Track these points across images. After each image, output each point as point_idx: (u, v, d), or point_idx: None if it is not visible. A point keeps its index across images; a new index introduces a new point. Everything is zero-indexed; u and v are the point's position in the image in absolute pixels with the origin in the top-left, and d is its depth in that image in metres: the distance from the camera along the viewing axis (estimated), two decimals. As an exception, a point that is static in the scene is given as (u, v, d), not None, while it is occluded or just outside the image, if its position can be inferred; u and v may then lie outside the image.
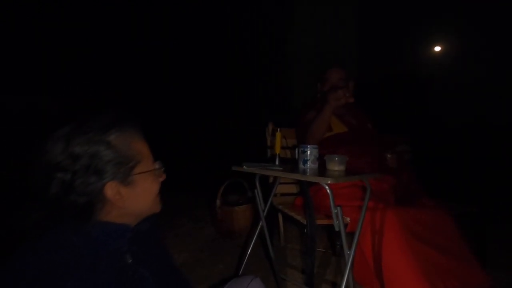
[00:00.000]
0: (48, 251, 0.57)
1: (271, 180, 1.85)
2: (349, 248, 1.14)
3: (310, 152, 1.34)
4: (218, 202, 2.29)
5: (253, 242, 1.45)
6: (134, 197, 0.65)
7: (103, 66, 5.49)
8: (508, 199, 3.48)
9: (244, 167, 1.29)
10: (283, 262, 1.95)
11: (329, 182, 1.06)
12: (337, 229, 1.15)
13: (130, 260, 0.68)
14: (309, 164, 1.34)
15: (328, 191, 1.11)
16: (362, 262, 1.47)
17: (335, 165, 1.29)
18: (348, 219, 1.49)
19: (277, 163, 1.45)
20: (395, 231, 1.31)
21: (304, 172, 1.29)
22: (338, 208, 1.14)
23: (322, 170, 1.31)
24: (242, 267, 1.45)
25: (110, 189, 0.62)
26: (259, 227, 1.49)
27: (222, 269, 1.84)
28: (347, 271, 1.11)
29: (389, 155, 1.69)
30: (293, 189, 1.98)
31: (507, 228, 2.73)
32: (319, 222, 1.47)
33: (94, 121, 0.63)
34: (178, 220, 2.77)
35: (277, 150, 1.46)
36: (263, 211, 1.49)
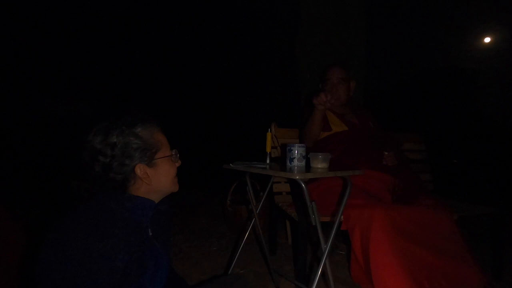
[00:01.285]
0: (93, 213, 0.75)
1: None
2: (325, 242, 1.17)
3: (296, 150, 1.38)
4: (228, 201, 2.40)
5: (244, 239, 1.53)
6: (157, 176, 0.83)
7: (102, 68, 5.90)
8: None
9: (231, 165, 1.38)
10: (287, 259, 2.00)
11: (297, 177, 1.11)
12: (313, 223, 1.19)
13: (151, 234, 0.84)
14: (295, 162, 1.39)
15: (303, 187, 1.16)
16: (356, 261, 1.47)
17: (318, 163, 1.32)
18: (341, 217, 1.50)
19: (267, 161, 1.52)
20: (381, 229, 1.30)
21: (290, 170, 1.34)
22: (313, 203, 1.17)
23: (308, 168, 1.35)
24: (234, 262, 1.53)
25: (139, 170, 0.80)
26: (251, 224, 1.57)
27: (227, 263, 1.94)
28: (321, 264, 1.14)
29: (386, 153, 1.66)
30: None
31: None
32: (322, 220, 1.50)
33: (124, 118, 0.82)
34: (195, 216, 2.94)
35: (268, 149, 1.52)
36: (256, 207, 1.56)
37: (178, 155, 0.90)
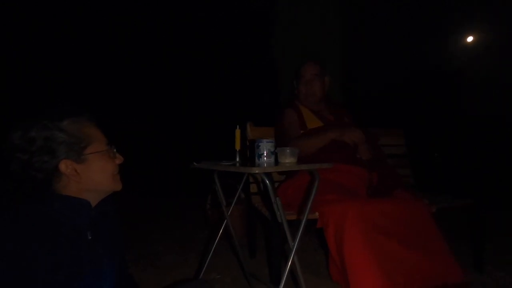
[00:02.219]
0: (15, 220, 0.67)
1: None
2: (293, 239, 1.12)
3: (264, 146, 1.33)
4: (207, 204, 2.33)
5: (215, 243, 1.47)
6: (90, 173, 0.76)
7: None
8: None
9: (195, 163, 1.33)
10: (266, 262, 1.94)
11: (257, 171, 1.06)
12: (279, 220, 1.13)
13: (90, 237, 0.76)
14: (264, 158, 1.34)
15: (267, 181, 1.11)
16: (333, 259, 1.42)
17: (286, 157, 1.28)
18: (316, 213, 1.45)
19: (237, 159, 1.47)
20: (355, 224, 1.26)
21: (259, 166, 1.29)
22: (277, 199, 1.13)
23: (277, 164, 1.30)
24: (204, 267, 1.46)
25: (65, 166, 0.73)
26: (223, 226, 1.51)
27: (206, 269, 1.87)
28: (289, 262, 1.09)
29: (360, 147, 1.63)
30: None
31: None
32: (288, 218, 1.45)
33: (48, 111, 0.75)
34: (178, 224, 2.86)
35: (237, 146, 1.47)
36: (227, 209, 1.50)
37: (115, 150, 0.82)
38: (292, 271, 1.12)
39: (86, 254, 0.74)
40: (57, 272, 0.67)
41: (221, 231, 1.50)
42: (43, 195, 0.72)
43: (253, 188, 1.88)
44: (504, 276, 1.64)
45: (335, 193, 1.46)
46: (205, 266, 1.45)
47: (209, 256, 1.46)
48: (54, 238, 0.68)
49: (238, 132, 1.49)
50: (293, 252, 1.10)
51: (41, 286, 0.66)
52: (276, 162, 1.32)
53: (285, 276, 1.06)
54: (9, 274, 0.62)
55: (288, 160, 1.28)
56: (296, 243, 1.11)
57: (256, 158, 1.36)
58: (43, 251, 0.66)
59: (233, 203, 1.56)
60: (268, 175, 1.15)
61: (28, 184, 0.71)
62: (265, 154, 1.34)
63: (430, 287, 1.17)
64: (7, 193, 0.72)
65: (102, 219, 0.82)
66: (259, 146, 1.35)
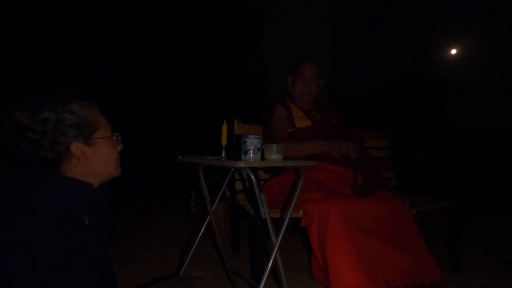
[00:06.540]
0: (12, 196, 0.65)
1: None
2: (276, 236, 1.11)
3: (250, 142, 1.32)
4: (191, 201, 2.30)
5: (199, 237, 1.44)
6: (96, 157, 0.77)
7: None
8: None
9: (180, 157, 1.30)
10: (249, 260, 1.92)
11: (242, 166, 1.05)
12: (263, 216, 1.13)
13: (87, 222, 0.76)
14: (250, 154, 1.33)
15: (252, 176, 1.10)
16: (316, 258, 1.42)
17: (272, 154, 1.27)
18: (300, 212, 1.45)
19: (223, 154, 1.45)
20: (338, 222, 1.27)
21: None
22: (262, 194, 1.12)
23: (263, 160, 1.29)
24: (185, 264, 1.43)
25: (75, 148, 0.74)
26: (206, 222, 1.49)
27: (186, 265, 1.83)
28: (271, 258, 1.08)
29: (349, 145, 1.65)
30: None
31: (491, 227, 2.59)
32: (272, 215, 1.44)
33: (57, 93, 0.75)
34: (160, 220, 2.81)
35: (223, 142, 1.46)
36: (211, 205, 1.48)
37: (119, 138, 0.84)
38: (274, 268, 1.12)
39: (80, 239, 0.72)
40: (50, 257, 0.63)
41: (203, 227, 1.48)
42: (47, 176, 0.71)
43: (238, 185, 1.87)
44: (478, 276, 1.69)
45: (320, 191, 1.46)
46: (186, 263, 1.42)
47: (191, 253, 1.43)
48: (50, 221, 0.64)
49: (224, 127, 1.47)
50: (275, 249, 1.10)
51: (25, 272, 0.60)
52: (262, 159, 1.31)
53: (267, 272, 1.05)
54: None
55: (274, 156, 1.27)
56: (279, 240, 1.10)
57: (242, 154, 1.35)
58: (35, 234, 0.62)
59: (217, 199, 1.54)
60: (254, 170, 1.14)
61: (34, 163, 0.70)
62: (251, 150, 1.33)
63: (410, 285, 1.19)
64: (6, 172, 0.70)
65: (97, 204, 0.81)
66: (246, 142, 1.34)
